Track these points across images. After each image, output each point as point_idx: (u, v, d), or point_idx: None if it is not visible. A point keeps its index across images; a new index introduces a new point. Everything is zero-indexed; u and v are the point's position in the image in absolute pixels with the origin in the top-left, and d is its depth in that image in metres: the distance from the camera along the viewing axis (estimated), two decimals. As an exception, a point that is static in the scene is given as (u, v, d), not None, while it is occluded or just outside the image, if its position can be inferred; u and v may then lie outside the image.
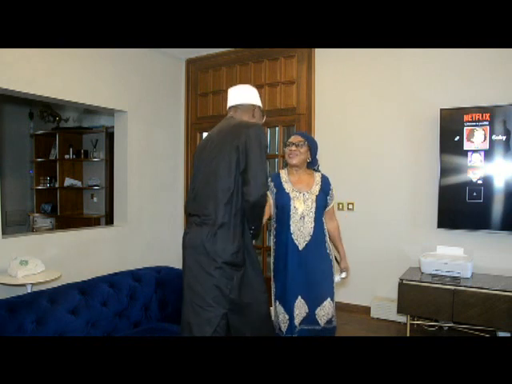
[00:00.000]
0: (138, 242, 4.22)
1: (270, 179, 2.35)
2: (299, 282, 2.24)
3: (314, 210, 2.26)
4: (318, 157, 2.44)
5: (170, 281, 2.58)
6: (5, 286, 2.99)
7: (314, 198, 2.27)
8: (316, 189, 2.32)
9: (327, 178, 2.41)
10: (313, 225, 2.25)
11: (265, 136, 1.92)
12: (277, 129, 4.35)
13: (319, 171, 2.44)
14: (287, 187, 2.31)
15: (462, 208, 3.28)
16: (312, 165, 2.41)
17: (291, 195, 2.28)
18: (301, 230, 2.24)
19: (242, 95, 2.07)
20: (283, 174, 2.38)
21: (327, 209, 2.37)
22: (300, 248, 2.24)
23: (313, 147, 2.37)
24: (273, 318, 2.28)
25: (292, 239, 2.24)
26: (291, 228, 2.25)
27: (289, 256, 2.24)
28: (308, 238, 2.24)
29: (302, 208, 2.25)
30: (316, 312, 2.26)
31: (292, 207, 2.26)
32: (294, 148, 2.31)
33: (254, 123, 1.97)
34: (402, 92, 3.61)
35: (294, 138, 2.35)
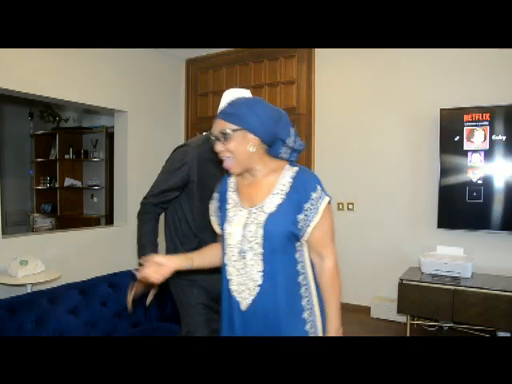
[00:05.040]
0: (137, 242, 4.22)
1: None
2: None
3: (259, 240, 1.24)
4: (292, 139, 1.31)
5: (170, 281, 2.58)
6: (5, 286, 3.00)
7: (262, 219, 1.25)
8: (272, 202, 1.26)
9: (309, 177, 1.30)
10: (261, 268, 1.25)
11: (177, 154, 1.87)
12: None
13: (295, 165, 1.33)
14: (231, 199, 1.36)
15: (461, 208, 3.29)
16: (274, 151, 1.31)
17: (229, 213, 1.34)
18: (242, 276, 1.28)
19: None
20: (234, 177, 1.40)
21: (305, 236, 1.27)
22: (242, 307, 1.28)
23: (253, 125, 1.23)
24: None
25: (229, 290, 1.31)
26: (227, 271, 1.32)
27: (231, 316, 1.32)
28: (255, 292, 1.26)
29: (239, 237, 1.28)
30: None
31: (226, 235, 1.33)
32: (220, 147, 1.27)
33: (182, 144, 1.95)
34: (401, 92, 3.61)
35: (215, 126, 1.28)
